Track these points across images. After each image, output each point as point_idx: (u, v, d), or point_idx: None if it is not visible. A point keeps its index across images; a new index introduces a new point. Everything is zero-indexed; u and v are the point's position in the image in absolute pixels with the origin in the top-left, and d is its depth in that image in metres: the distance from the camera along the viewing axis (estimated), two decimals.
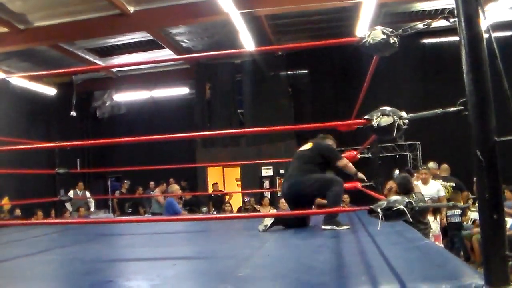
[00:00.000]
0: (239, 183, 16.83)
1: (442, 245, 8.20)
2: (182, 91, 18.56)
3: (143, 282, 2.78)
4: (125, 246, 4.91)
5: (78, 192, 14.17)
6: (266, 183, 16.16)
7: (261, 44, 13.87)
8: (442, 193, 8.91)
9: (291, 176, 5.34)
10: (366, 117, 2.31)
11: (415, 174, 9.34)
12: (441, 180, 9.64)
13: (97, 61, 16.07)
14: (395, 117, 2.24)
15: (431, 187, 8.94)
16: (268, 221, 4.79)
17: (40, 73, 12.03)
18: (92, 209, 14.35)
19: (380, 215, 2.35)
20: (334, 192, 4.87)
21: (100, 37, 14.20)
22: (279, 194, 14.90)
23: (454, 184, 9.61)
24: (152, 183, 15.27)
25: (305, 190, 5.10)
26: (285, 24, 14.72)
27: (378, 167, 8.65)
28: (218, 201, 14.29)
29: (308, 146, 5.68)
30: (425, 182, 8.98)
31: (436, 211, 8.24)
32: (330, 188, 4.92)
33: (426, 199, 8.42)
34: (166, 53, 15.63)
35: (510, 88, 2.06)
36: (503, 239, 1.96)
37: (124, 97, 18.98)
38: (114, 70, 18.11)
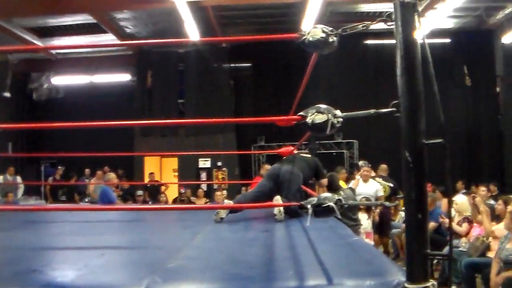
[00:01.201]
0: (176, 173, 16.72)
1: (373, 242, 8.44)
2: (123, 77, 18.17)
3: (69, 271, 2.70)
4: (54, 234, 4.78)
5: (8, 177, 13.68)
6: (203, 175, 16.14)
7: (206, 35, 13.80)
8: (381, 193, 9.17)
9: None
10: (301, 113, 2.33)
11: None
12: (381, 179, 9.90)
13: (35, 41, 15.54)
14: (329, 115, 2.26)
15: (371, 186, 9.17)
16: (224, 213, 4.78)
17: None
18: (20, 195, 13.85)
19: (310, 211, 2.39)
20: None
21: (39, 15, 13.73)
22: (215, 186, 14.94)
23: (392, 185, 9.88)
24: (87, 170, 14.97)
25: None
26: (231, 16, 14.71)
27: None
28: (154, 191, 14.17)
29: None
30: (365, 180, 9.19)
31: (369, 209, 8.45)
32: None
33: (361, 197, 8.67)
34: (109, 38, 15.29)
35: (440, 93, 2.12)
36: (425, 238, 2.03)
37: (63, 80, 18.41)
38: (53, 51, 17.60)
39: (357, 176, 9.51)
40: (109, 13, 13.84)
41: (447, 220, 8.36)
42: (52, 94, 18.61)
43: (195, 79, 16.77)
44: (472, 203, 7.71)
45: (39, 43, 15.50)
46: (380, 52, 15.67)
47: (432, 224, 8.11)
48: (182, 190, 13.88)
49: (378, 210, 9.05)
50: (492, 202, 9.43)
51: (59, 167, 15.69)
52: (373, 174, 9.90)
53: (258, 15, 14.74)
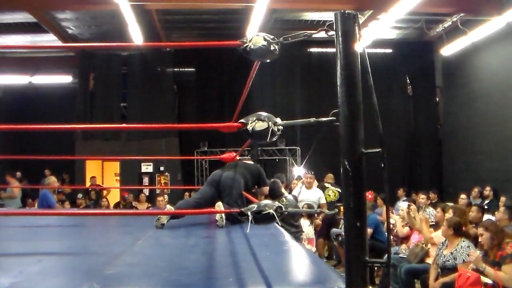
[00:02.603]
0: (118, 178, 16.48)
1: (315, 249, 8.55)
2: (64, 79, 17.74)
3: (4, 279, 2.60)
4: None
5: None
6: (146, 180, 15.97)
7: (150, 39, 13.67)
8: (323, 200, 9.43)
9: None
10: (241, 120, 2.32)
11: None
12: (330, 185, 10.13)
13: None
14: (270, 123, 2.26)
15: (313, 193, 9.34)
16: (165, 219, 4.72)
17: None
18: None
19: (250, 218, 2.39)
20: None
21: None
22: (158, 191, 14.80)
23: (340, 190, 10.09)
24: (18, 173, 14.39)
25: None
26: (176, 20, 14.62)
27: None
28: (96, 196, 13.90)
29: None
30: (309, 187, 9.35)
31: (311, 215, 8.56)
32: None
33: (304, 203, 8.79)
34: (50, 38, 14.90)
35: (382, 102, 2.16)
36: (364, 245, 2.05)
37: (0, 80, 17.87)
38: None
39: (299, 183, 9.65)
40: (50, 12, 13.46)
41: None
42: None
43: (138, 83, 16.61)
44: (407, 212, 7.91)
45: None
46: (324, 60, 15.91)
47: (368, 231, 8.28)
48: (127, 196, 13.67)
49: (320, 217, 9.21)
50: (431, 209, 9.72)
51: None
52: (316, 183, 10.07)
53: (203, 20, 14.71)
